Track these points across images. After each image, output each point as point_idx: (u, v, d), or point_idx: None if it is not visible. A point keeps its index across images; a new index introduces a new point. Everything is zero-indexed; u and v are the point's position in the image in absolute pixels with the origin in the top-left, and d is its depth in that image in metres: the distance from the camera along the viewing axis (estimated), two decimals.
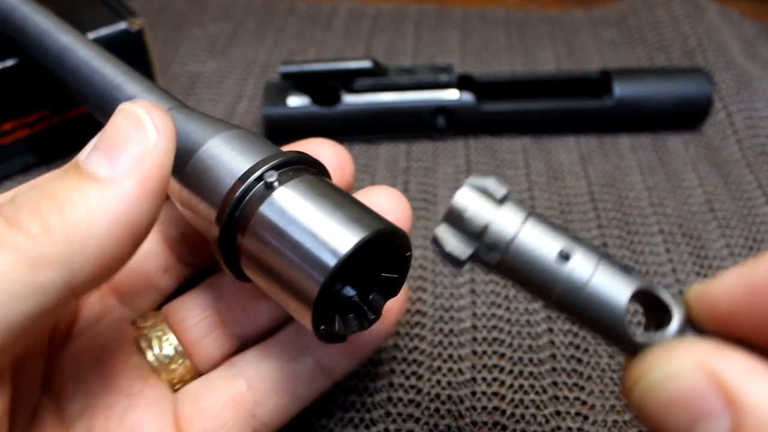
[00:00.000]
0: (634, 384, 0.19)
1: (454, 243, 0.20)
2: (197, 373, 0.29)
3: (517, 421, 0.32)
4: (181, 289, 0.31)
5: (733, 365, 0.17)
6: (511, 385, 0.33)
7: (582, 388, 0.33)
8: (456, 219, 0.20)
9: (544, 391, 0.33)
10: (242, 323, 0.30)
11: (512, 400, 0.32)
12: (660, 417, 0.18)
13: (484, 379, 0.33)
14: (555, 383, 0.33)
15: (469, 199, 0.20)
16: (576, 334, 0.35)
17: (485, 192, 0.20)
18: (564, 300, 0.19)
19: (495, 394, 0.33)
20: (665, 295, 0.19)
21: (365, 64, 0.45)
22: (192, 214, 0.27)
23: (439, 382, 0.33)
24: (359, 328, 0.26)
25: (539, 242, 0.19)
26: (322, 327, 0.24)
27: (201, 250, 0.31)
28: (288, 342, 0.29)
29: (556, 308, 0.20)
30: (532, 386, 0.33)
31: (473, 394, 0.33)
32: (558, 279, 0.19)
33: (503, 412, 0.32)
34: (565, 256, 0.19)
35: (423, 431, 0.31)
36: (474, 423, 0.32)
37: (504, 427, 0.31)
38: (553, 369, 0.34)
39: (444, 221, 0.20)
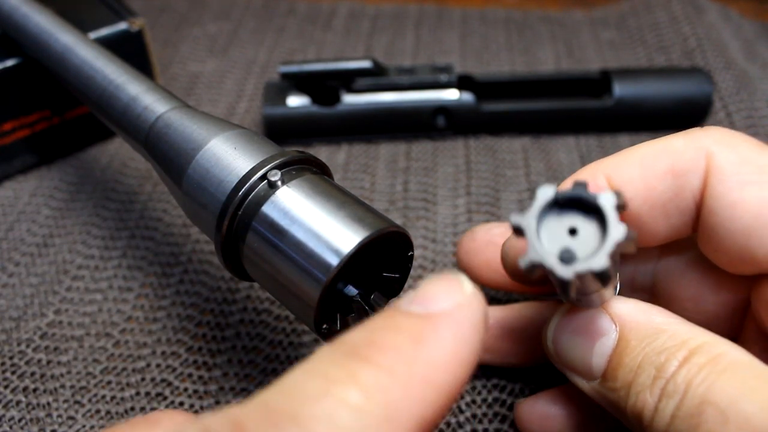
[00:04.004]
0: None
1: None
2: None
3: None
4: None
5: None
6: (512, 390, 0.33)
7: None
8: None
9: None
10: None
11: (512, 405, 0.32)
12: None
13: (484, 386, 0.33)
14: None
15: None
16: None
17: None
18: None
19: (496, 400, 0.33)
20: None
21: (365, 64, 0.45)
22: (194, 214, 0.27)
23: None
24: None
25: None
26: (324, 326, 0.24)
27: None
28: None
29: None
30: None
31: (473, 392, 0.33)
32: None
33: (503, 418, 0.32)
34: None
35: None
36: (474, 416, 0.32)
37: None
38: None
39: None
